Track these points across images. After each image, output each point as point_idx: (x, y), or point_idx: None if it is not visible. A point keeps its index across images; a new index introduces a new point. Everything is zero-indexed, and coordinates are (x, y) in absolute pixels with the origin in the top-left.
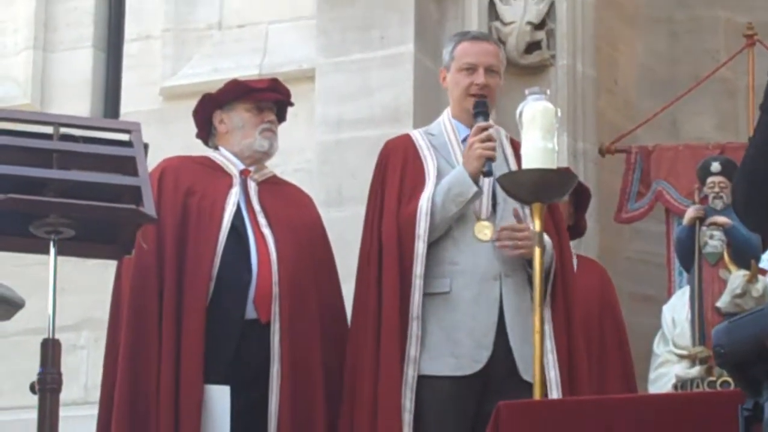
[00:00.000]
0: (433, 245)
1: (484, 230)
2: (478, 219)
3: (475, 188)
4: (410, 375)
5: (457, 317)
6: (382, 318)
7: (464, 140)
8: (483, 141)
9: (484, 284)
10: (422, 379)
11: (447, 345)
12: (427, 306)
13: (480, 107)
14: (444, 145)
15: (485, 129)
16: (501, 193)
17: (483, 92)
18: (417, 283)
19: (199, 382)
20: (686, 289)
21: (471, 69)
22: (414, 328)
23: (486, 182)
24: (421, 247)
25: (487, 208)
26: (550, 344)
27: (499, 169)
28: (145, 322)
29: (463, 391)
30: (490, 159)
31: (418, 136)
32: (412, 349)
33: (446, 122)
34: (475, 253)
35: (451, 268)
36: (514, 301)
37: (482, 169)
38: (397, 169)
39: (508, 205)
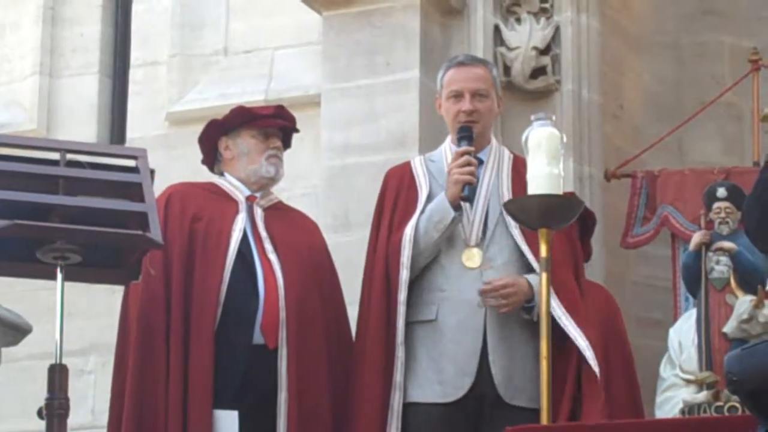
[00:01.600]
0: (424, 272)
1: (473, 257)
2: (467, 246)
3: (452, 214)
4: (396, 401)
5: (443, 344)
6: (366, 347)
7: None
8: (461, 166)
9: (468, 311)
10: (411, 406)
11: (434, 372)
12: (416, 333)
13: (463, 132)
14: (441, 171)
15: (466, 153)
16: (492, 219)
17: (472, 118)
18: (401, 309)
19: (207, 407)
20: (692, 312)
21: (458, 96)
22: (399, 354)
23: (478, 208)
24: (404, 274)
25: (477, 234)
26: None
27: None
28: (152, 347)
29: (453, 417)
30: (469, 183)
31: (417, 163)
32: (398, 375)
33: (446, 148)
34: (462, 279)
35: (439, 295)
36: (497, 329)
37: (461, 194)
38: (391, 199)
39: (498, 230)
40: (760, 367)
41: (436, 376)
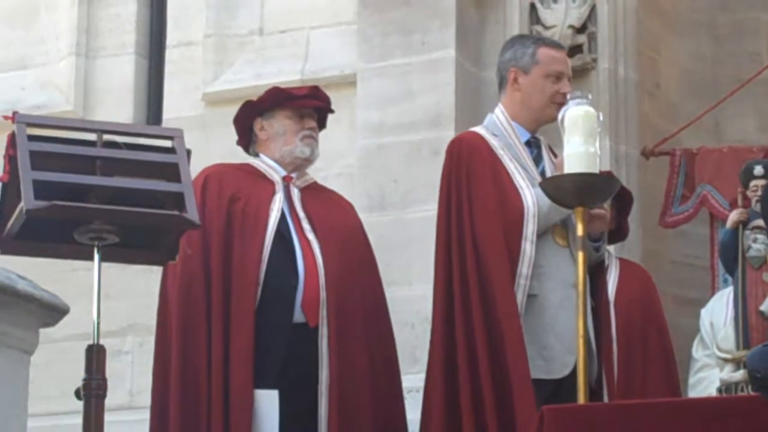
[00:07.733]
0: None
1: (563, 235)
2: (554, 225)
3: None
4: None
5: (545, 320)
6: (501, 322)
7: (526, 143)
8: None
9: (567, 290)
10: None
11: (535, 347)
12: None
13: None
14: (510, 146)
15: None
16: None
17: (565, 102)
18: (522, 283)
19: (248, 387)
20: (724, 292)
21: (558, 77)
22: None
23: None
24: (528, 248)
25: None
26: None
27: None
28: (193, 328)
29: (541, 394)
30: None
31: (487, 135)
32: None
33: (504, 123)
34: (557, 257)
35: (537, 271)
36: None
37: None
38: (486, 166)
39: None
40: None
41: (539, 351)
